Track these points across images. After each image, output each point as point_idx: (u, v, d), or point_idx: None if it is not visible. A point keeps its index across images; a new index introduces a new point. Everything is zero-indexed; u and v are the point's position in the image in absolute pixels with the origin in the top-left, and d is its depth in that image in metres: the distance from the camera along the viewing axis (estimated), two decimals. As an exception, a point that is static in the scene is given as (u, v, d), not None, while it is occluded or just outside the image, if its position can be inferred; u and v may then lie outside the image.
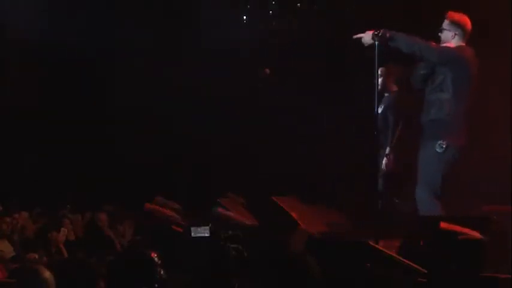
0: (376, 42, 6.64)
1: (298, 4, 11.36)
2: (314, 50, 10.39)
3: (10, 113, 12.14)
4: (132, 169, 11.87)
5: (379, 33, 6.54)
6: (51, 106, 12.38)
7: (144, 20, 11.89)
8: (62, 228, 9.77)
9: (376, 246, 5.32)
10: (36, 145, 12.33)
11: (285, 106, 10.33)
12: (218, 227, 6.61)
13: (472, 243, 5.26)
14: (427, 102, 6.79)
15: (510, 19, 7.52)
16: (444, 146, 6.56)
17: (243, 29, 11.53)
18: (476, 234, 5.31)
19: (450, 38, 6.74)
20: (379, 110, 8.30)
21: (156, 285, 3.73)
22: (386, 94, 8.32)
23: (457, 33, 6.73)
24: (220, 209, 6.94)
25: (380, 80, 8.29)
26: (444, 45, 6.77)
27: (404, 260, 5.10)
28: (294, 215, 6.66)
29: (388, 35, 6.56)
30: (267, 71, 8.65)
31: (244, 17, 11.67)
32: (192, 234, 6.68)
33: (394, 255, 5.25)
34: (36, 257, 8.80)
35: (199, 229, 6.66)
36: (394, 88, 8.31)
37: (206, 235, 6.59)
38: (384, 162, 8.04)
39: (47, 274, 4.16)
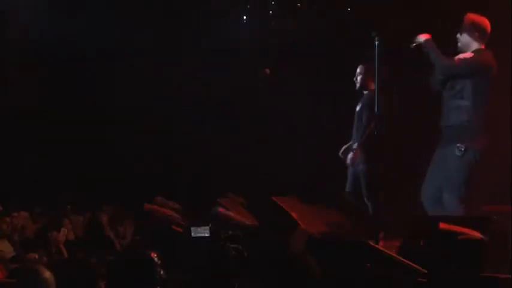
0: (376, 43, 6.66)
1: (298, 4, 11.36)
2: (314, 50, 10.40)
3: (10, 113, 12.14)
4: (132, 169, 11.87)
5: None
6: (51, 106, 12.38)
7: (144, 20, 11.89)
8: (62, 228, 9.77)
9: (376, 246, 5.32)
10: (36, 145, 12.32)
11: (285, 106, 10.33)
12: (218, 227, 6.60)
13: (472, 243, 5.26)
14: (446, 108, 6.80)
15: (510, 19, 7.52)
16: (463, 149, 6.56)
17: (243, 29, 11.54)
18: (476, 234, 5.31)
19: (471, 40, 6.73)
20: (357, 108, 8.34)
21: (156, 285, 3.73)
22: (365, 92, 8.34)
23: (478, 34, 6.72)
24: (220, 209, 6.94)
25: (359, 78, 8.33)
26: (463, 56, 6.74)
27: (404, 260, 5.10)
28: (294, 215, 6.66)
29: (424, 48, 6.69)
30: (267, 71, 8.66)
31: (244, 17, 11.68)
32: (192, 234, 6.67)
33: (394, 255, 5.24)
34: (36, 257, 8.80)
35: (199, 229, 6.66)
36: (373, 86, 8.33)
37: (206, 235, 6.59)
38: (349, 156, 8.07)
39: (47, 274, 4.16)
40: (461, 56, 6.75)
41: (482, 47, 6.73)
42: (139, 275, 3.73)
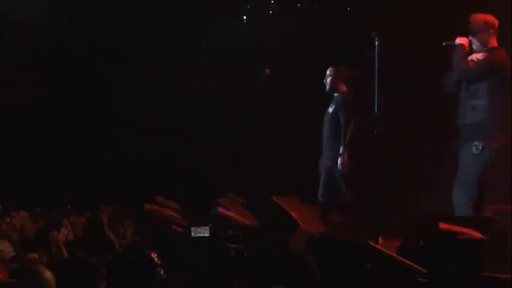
0: (376, 43, 6.66)
1: (298, 4, 11.36)
2: (314, 50, 10.39)
3: (10, 112, 12.13)
4: (132, 169, 11.86)
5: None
6: (51, 106, 12.38)
7: (143, 19, 11.90)
8: (62, 228, 9.76)
9: (376, 246, 5.32)
10: (36, 145, 12.32)
11: (285, 106, 10.33)
12: (218, 227, 6.60)
13: (472, 243, 5.26)
14: (462, 107, 6.79)
15: (510, 19, 7.52)
16: (480, 147, 6.56)
17: (243, 29, 11.54)
18: (476, 234, 5.31)
19: (488, 38, 6.71)
20: (330, 110, 8.35)
21: (156, 285, 3.73)
22: (335, 94, 8.34)
23: (492, 32, 6.72)
24: (220, 209, 6.94)
25: (328, 80, 8.35)
26: (476, 58, 6.72)
27: (404, 260, 5.10)
28: (294, 215, 6.66)
29: (457, 48, 6.71)
30: (267, 71, 8.65)
31: (244, 17, 11.68)
32: (192, 234, 6.67)
33: (394, 255, 5.24)
34: (36, 257, 8.80)
35: (199, 229, 6.66)
36: (344, 88, 8.34)
37: (206, 235, 6.59)
38: (339, 161, 8.08)
39: (47, 274, 4.16)
40: (473, 57, 6.73)
41: (496, 43, 6.74)
42: (139, 275, 3.73)
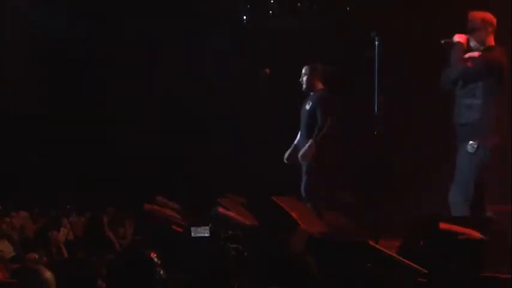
0: (376, 43, 6.65)
1: (298, 4, 11.36)
2: (314, 50, 10.39)
3: (10, 112, 12.14)
4: (132, 169, 11.86)
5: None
6: (51, 106, 12.38)
7: (143, 20, 11.90)
8: (62, 228, 9.77)
9: (376, 246, 5.32)
10: (36, 145, 12.32)
11: (285, 106, 10.32)
12: (218, 227, 6.60)
13: (472, 243, 5.26)
14: (458, 106, 6.76)
15: (510, 19, 7.52)
16: (475, 147, 6.54)
17: (243, 29, 11.54)
18: (476, 234, 5.30)
19: (485, 36, 6.67)
20: (307, 107, 8.34)
21: (156, 285, 3.73)
22: (311, 93, 8.34)
23: (490, 30, 6.68)
24: (220, 209, 6.93)
25: (304, 78, 8.34)
26: (471, 56, 6.71)
27: (404, 260, 5.10)
28: (294, 215, 6.65)
29: (456, 46, 6.67)
30: (267, 71, 8.65)
31: (244, 17, 11.68)
32: (192, 234, 6.67)
33: (394, 255, 5.24)
34: (36, 257, 8.80)
35: (199, 229, 6.65)
36: (320, 86, 8.34)
37: (206, 235, 6.58)
38: (301, 151, 8.08)
39: (47, 274, 4.17)
40: (471, 55, 6.71)
41: (493, 42, 6.72)
42: (139, 275, 3.73)
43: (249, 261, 5.61)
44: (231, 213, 6.93)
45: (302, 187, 8.20)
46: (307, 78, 8.32)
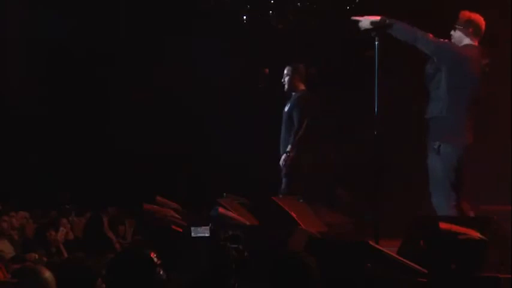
0: (376, 43, 6.64)
1: (298, 4, 11.36)
2: (314, 50, 10.39)
3: (10, 112, 12.14)
4: (132, 169, 11.86)
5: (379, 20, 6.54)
6: (52, 106, 12.38)
7: (143, 20, 11.90)
8: (61, 228, 9.77)
9: (376, 246, 5.32)
10: (36, 145, 12.32)
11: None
12: (218, 227, 6.59)
13: (472, 243, 5.26)
14: (428, 100, 6.74)
15: (510, 19, 7.52)
16: (436, 147, 6.49)
17: (243, 29, 11.54)
18: (476, 234, 5.30)
19: (464, 36, 6.64)
20: (286, 109, 8.34)
21: (156, 285, 3.73)
22: (293, 93, 8.32)
23: (472, 31, 6.66)
24: (220, 209, 6.93)
25: (286, 79, 8.32)
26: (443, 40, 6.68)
27: (404, 260, 5.10)
28: (294, 215, 6.66)
29: (387, 21, 6.55)
30: (267, 71, 8.66)
31: (244, 17, 11.67)
32: (192, 234, 6.66)
33: (394, 255, 5.24)
34: (36, 257, 8.81)
35: (199, 229, 6.65)
36: (302, 87, 8.32)
37: (206, 235, 6.58)
38: (282, 158, 8.08)
39: (47, 274, 4.16)
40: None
41: (475, 43, 6.68)
42: (139, 275, 3.72)
43: (249, 261, 5.61)
44: (231, 213, 6.92)
45: (281, 189, 8.21)
46: (289, 79, 8.29)
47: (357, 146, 9.40)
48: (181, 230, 7.10)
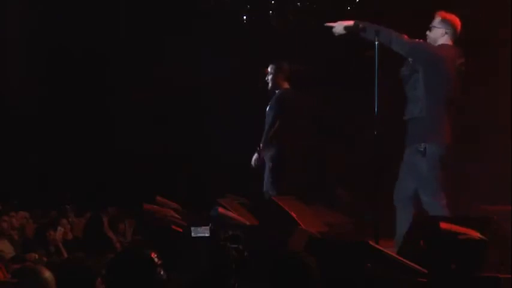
0: (376, 43, 6.63)
1: (298, 4, 11.36)
2: (314, 50, 10.39)
3: (11, 112, 12.14)
4: (132, 169, 11.87)
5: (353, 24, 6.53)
6: (52, 106, 12.38)
7: (143, 20, 11.90)
8: (59, 227, 9.77)
9: (376, 246, 5.32)
10: (36, 145, 12.32)
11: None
12: (218, 227, 6.60)
13: (472, 243, 5.26)
14: (406, 101, 6.74)
15: (510, 19, 7.52)
16: (422, 149, 6.47)
17: (243, 29, 11.54)
18: (476, 234, 5.30)
19: (440, 36, 6.61)
20: (267, 108, 8.33)
21: (156, 285, 3.73)
22: (277, 91, 8.30)
23: (447, 31, 6.61)
24: (220, 209, 6.93)
25: (269, 77, 8.29)
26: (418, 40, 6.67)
27: (404, 260, 5.10)
28: (294, 215, 6.66)
29: (360, 25, 6.54)
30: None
31: (244, 17, 11.68)
32: (192, 234, 6.66)
33: (394, 255, 5.24)
34: (36, 257, 8.81)
35: (199, 229, 6.65)
36: (285, 85, 8.29)
37: (206, 235, 6.58)
38: (254, 157, 8.07)
39: (47, 274, 4.17)
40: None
41: (451, 43, 6.66)
42: (139, 275, 3.72)
43: (249, 261, 5.61)
44: (231, 213, 6.93)
45: (264, 186, 8.21)
46: (272, 77, 8.25)
47: (356, 146, 9.40)
48: (181, 230, 7.10)
